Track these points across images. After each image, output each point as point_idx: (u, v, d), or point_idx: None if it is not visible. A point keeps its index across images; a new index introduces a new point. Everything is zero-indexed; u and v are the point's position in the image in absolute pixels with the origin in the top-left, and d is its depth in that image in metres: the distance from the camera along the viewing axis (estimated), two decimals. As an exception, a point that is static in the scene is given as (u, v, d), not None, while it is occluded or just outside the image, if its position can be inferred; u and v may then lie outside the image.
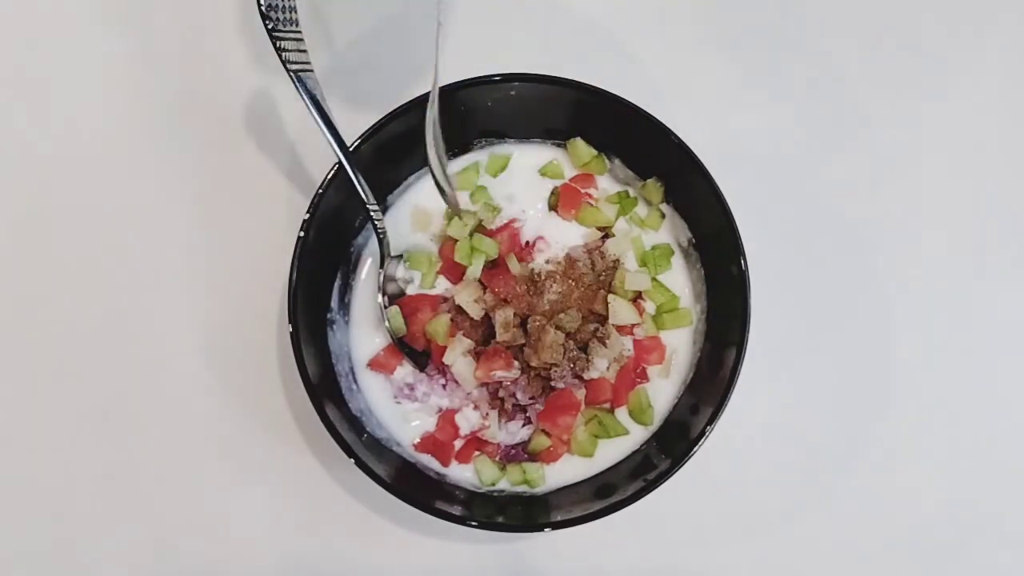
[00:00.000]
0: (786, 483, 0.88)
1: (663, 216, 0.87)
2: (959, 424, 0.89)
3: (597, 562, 0.87)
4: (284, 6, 0.71)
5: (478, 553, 0.87)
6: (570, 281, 0.85)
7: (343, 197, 0.81)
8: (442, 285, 0.86)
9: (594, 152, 0.87)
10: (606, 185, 0.88)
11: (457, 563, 0.87)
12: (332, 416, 0.77)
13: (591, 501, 0.79)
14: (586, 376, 0.83)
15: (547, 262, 0.86)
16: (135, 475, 0.88)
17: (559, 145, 0.88)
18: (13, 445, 0.88)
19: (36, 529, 0.87)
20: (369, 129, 0.80)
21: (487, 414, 0.84)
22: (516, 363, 0.82)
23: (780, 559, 0.87)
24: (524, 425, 0.84)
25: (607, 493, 0.79)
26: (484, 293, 0.84)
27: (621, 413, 0.84)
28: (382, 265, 0.84)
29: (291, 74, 0.72)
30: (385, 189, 0.86)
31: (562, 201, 0.86)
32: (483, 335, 0.84)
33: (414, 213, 0.87)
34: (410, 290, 0.86)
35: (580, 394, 0.83)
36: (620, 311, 0.83)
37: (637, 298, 0.85)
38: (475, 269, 0.84)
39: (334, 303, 0.84)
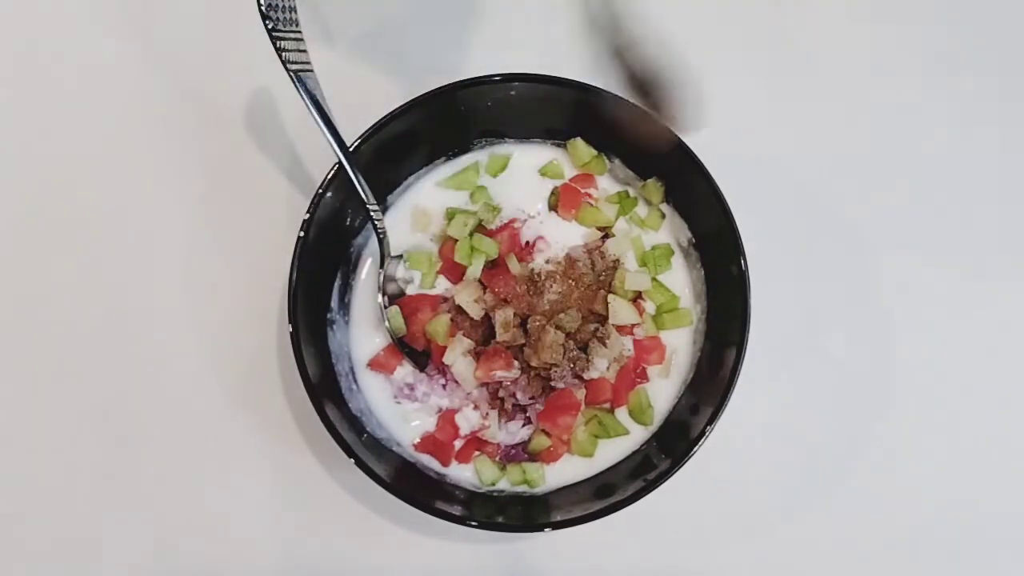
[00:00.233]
0: (786, 483, 0.88)
1: (663, 216, 0.87)
2: (959, 424, 0.89)
3: (597, 562, 0.87)
4: (284, 6, 0.71)
5: (478, 553, 0.87)
6: (570, 281, 0.85)
7: (343, 197, 0.81)
8: (442, 285, 0.86)
9: (594, 152, 0.87)
10: (606, 185, 0.88)
11: (457, 563, 0.87)
12: (332, 416, 0.77)
13: (591, 501, 0.79)
14: (586, 376, 0.83)
15: (547, 262, 0.86)
16: (135, 475, 0.87)
17: (559, 145, 0.88)
18: (13, 445, 0.88)
19: (36, 529, 0.87)
20: (369, 129, 0.80)
21: (487, 414, 0.84)
22: (516, 363, 0.82)
23: (780, 559, 0.87)
24: (524, 425, 0.84)
25: (607, 493, 0.79)
26: (484, 293, 0.84)
27: (621, 413, 0.84)
28: (382, 265, 0.84)
29: (291, 74, 0.72)
30: (385, 189, 0.86)
31: (562, 201, 0.86)
32: (483, 335, 0.84)
33: (414, 213, 0.87)
34: (410, 290, 0.86)
35: (580, 394, 0.83)
36: (620, 311, 0.83)
37: (637, 298, 0.85)
38: (475, 269, 0.84)
39: (334, 303, 0.84)
